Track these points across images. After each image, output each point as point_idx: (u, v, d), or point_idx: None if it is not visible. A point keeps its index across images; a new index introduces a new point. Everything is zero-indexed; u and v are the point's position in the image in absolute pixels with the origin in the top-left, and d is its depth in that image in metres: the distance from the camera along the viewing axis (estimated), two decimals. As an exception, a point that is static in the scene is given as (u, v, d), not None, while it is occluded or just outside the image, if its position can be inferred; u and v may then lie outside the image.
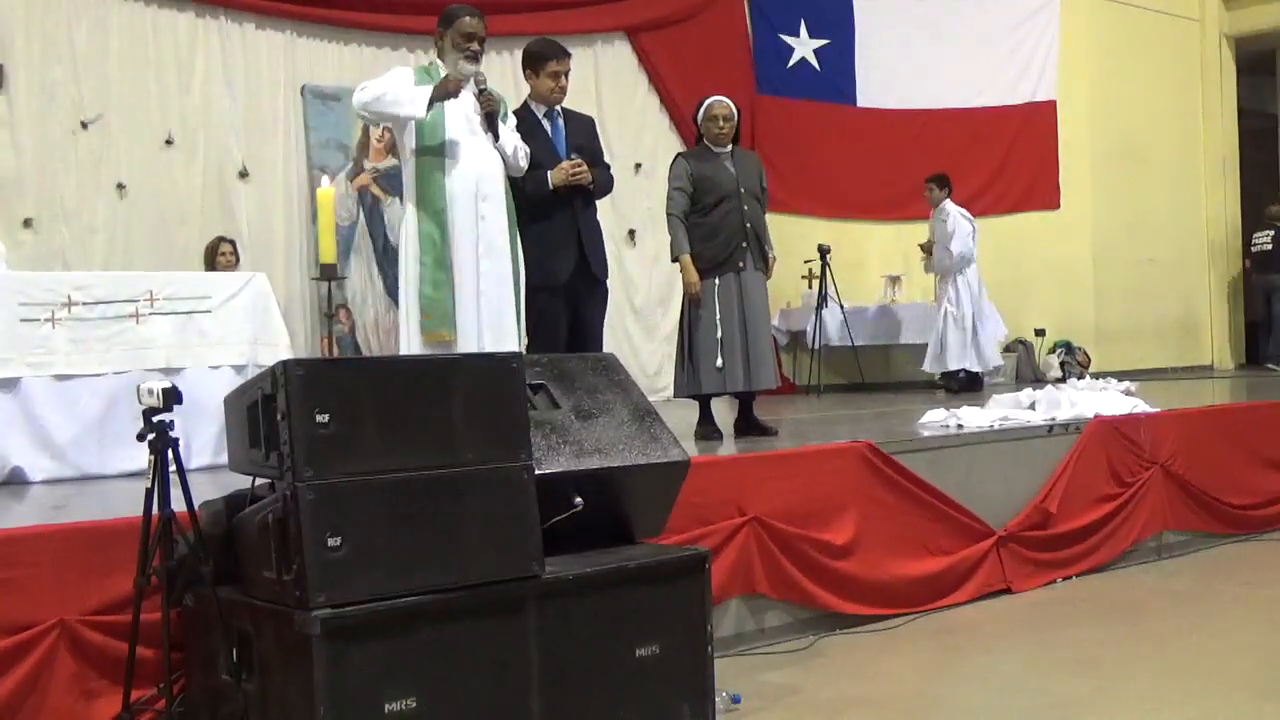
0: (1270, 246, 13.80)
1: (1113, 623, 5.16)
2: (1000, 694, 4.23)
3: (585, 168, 5.82)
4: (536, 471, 3.41)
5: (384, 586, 3.07)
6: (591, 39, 10.37)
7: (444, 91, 5.31)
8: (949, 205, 10.54)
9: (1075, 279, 13.17)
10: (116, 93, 8.41)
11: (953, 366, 10.42)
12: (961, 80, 12.61)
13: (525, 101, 5.99)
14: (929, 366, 10.66)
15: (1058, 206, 12.92)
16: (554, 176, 5.75)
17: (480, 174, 5.40)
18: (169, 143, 8.58)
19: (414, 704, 3.06)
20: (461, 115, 5.44)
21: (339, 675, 2.96)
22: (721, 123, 6.11)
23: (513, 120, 5.71)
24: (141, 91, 8.51)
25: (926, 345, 10.73)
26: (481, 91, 5.49)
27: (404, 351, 5.41)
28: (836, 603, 4.96)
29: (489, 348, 5.29)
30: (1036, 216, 12.84)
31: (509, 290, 5.47)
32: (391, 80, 5.36)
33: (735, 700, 3.92)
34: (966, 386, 10.30)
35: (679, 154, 6.31)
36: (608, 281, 6.06)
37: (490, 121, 5.47)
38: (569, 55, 5.99)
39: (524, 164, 5.59)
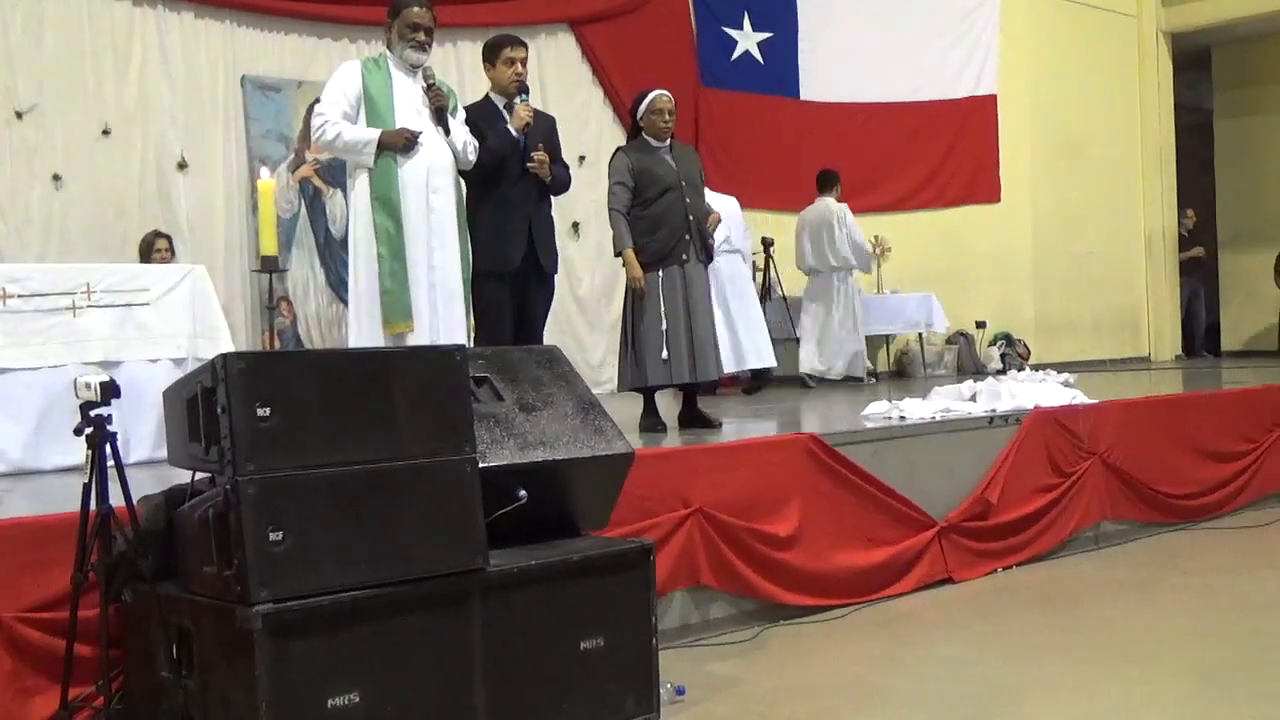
0: None
1: (1053, 611, 5.22)
2: (943, 682, 4.27)
3: (546, 160, 5.86)
4: (480, 464, 3.40)
5: (326, 581, 3.05)
6: (535, 31, 10.30)
7: (393, 143, 5.32)
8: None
9: (1015, 272, 13.31)
10: (52, 82, 8.26)
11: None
12: (904, 74, 12.69)
13: (486, 94, 6.03)
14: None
15: (999, 200, 13.03)
16: (513, 123, 5.79)
17: (430, 166, 5.41)
18: (106, 133, 8.44)
19: (357, 699, 3.05)
20: (411, 108, 5.45)
21: (281, 671, 2.94)
22: (667, 116, 6.11)
23: (462, 114, 5.72)
24: (77, 81, 8.37)
25: (867, 337, 10.84)
26: (430, 86, 5.49)
27: (353, 345, 5.39)
28: (780, 594, 4.98)
29: (443, 339, 5.30)
30: (977, 210, 12.95)
31: (458, 282, 5.49)
32: (340, 118, 5.38)
33: (679, 691, 3.93)
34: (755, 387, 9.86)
35: (619, 148, 6.29)
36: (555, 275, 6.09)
37: (439, 116, 5.47)
38: (524, 43, 6.03)
39: (473, 158, 5.63)
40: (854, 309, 10.66)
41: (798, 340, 11.00)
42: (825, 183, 10.76)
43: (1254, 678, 4.10)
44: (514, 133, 5.83)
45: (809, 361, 10.62)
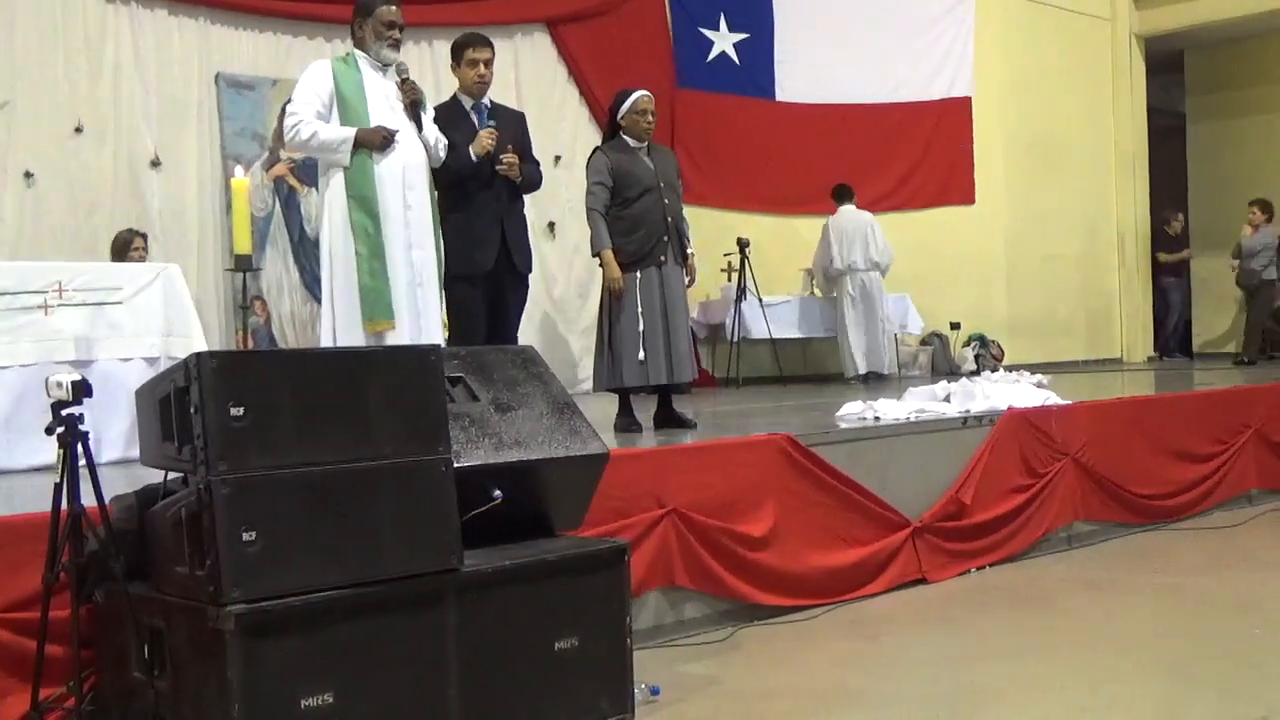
0: None
1: (1026, 611, 5.25)
2: (916, 683, 4.29)
3: (515, 163, 5.87)
4: (455, 464, 3.39)
5: (300, 581, 3.03)
6: (511, 30, 10.31)
7: (370, 141, 5.30)
8: None
9: (989, 273, 13.38)
10: (24, 79, 8.20)
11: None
12: (879, 75, 12.72)
13: (454, 94, 6.03)
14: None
15: (973, 201, 13.08)
16: (474, 148, 5.79)
17: (406, 164, 5.40)
18: (78, 130, 8.39)
19: (330, 700, 3.03)
20: (385, 105, 5.43)
21: (254, 671, 2.92)
22: (650, 117, 6.09)
23: (431, 113, 5.71)
24: (50, 78, 8.31)
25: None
26: (404, 81, 5.49)
27: (327, 344, 5.37)
28: (755, 594, 4.99)
29: (423, 337, 5.29)
30: (952, 211, 12.99)
31: (434, 280, 5.48)
32: (314, 118, 5.35)
33: (654, 692, 3.93)
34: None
35: (597, 148, 6.27)
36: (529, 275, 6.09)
37: (414, 111, 5.47)
38: (489, 44, 6.02)
39: (443, 155, 5.62)
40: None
41: (773, 341, 11.04)
42: (845, 194, 11.34)
43: (1223, 676, 4.13)
44: (474, 157, 5.83)
45: (860, 361, 11.18)
